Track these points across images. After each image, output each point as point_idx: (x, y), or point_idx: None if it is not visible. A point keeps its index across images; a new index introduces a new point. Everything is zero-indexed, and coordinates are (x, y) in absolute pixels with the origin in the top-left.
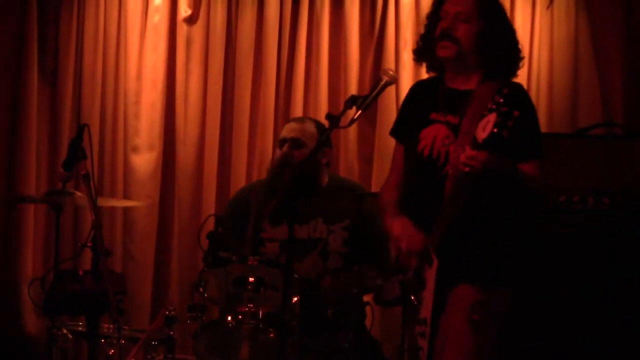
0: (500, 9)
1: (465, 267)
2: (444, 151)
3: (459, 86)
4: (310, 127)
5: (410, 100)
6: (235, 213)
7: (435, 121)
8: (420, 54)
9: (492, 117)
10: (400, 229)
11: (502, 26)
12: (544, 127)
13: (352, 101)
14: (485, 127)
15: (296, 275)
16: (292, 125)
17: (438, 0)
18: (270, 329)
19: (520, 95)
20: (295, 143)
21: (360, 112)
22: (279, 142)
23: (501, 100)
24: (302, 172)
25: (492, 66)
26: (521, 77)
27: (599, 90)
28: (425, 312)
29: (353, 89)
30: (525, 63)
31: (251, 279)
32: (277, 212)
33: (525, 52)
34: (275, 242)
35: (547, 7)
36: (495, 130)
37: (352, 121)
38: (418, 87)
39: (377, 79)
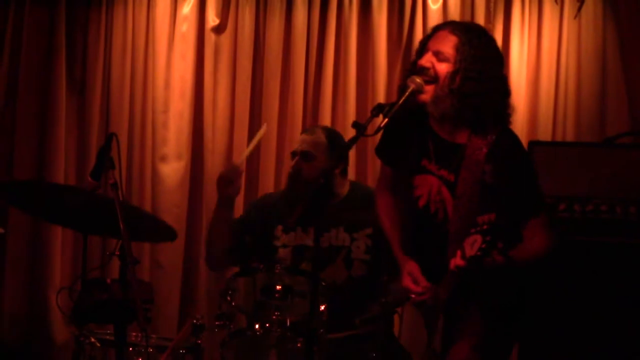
0: (488, 55)
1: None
2: (442, 207)
3: (447, 137)
4: (321, 138)
5: (394, 127)
6: (252, 216)
7: (428, 171)
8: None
9: (478, 239)
10: (409, 280)
11: (485, 72)
12: (571, 136)
13: (379, 109)
14: (473, 246)
15: (324, 283)
16: (303, 137)
17: (426, 36)
18: (298, 338)
19: (510, 151)
20: (304, 156)
21: (386, 120)
22: (291, 154)
23: (485, 227)
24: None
25: (477, 118)
26: (549, 87)
27: (626, 100)
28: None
29: (381, 97)
30: (553, 72)
31: (278, 287)
32: (296, 222)
33: (552, 61)
34: (287, 248)
35: (575, 17)
36: (479, 254)
37: (379, 129)
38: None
39: (404, 86)
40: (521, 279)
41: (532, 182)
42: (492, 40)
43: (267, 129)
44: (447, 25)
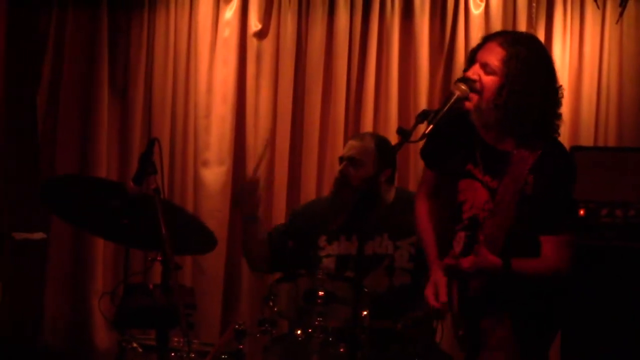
0: (537, 68)
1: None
2: (483, 217)
3: (492, 143)
4: (369, 144)
5: (441, 129)
6: (296, 225)
7: (473, 176)
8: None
9: (462, 235)
10: (431, 291)
11: (532, 86)
12: (613, 141)
13: (424, 116)
14: (459, 243)
15: (366, 289)
16: (351, 142)
17: (476, 46)
18: (340, 343)
19: (554, 163)
20: (352, 161)
21: (431, 126)
22: (339, 159)
23: (466, 223)
24: (362, 193)
25: (522, 130)
26: (590, 92)
27: None
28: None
29: (423, 102)
30: (595, 77)
31: (321, 293)
32: (340, 230)
33: (594, 66)
34: (331, 258)
35: (617, 21)
36: (463, 249)
37: (423, 136)
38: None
39: (449, 93)
40: (552, 288)
41: (566, 200)
42: (543, 51)
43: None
44: (496, 36)
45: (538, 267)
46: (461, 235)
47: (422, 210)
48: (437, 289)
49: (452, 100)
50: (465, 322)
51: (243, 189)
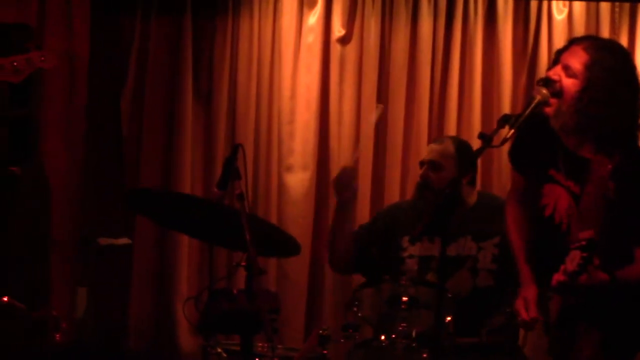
0: (620, 77)
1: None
2: (567, 221)
3: (574, 149)
4: (449, 148)
5: (526, 133)
6: (379, 226)
7: (556, 181)
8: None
9: (577, 255)
10: (522, 305)
11: (613, 96)
12: None
13: (505, 120)
14: (573, 262)
15: (449, 295)
16: (432, 146)
17: (562, 47)
18: (424, 349)
19: (633, 170)
20: (432, 165)
21: (513, 131)
22: (419, 163)
23: (583, 244)
24: (444, 195)
25: (601, 136)
26: None
27: None
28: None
29: (506, 107)
30: None
31: (404, 298)
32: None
33: None
34: (414, 259)
35: None
36: (577, 269)
37: (505, 140)
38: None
39: (530, 97)
40: None
41: None
42: (628, 61)
43: (383, 110)
44: (582, 40)
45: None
46: (576, 255)
47: (513, 218)
48: (527, 303)
49: (533, 104)
50: (556, 332)
51: (343, 174)
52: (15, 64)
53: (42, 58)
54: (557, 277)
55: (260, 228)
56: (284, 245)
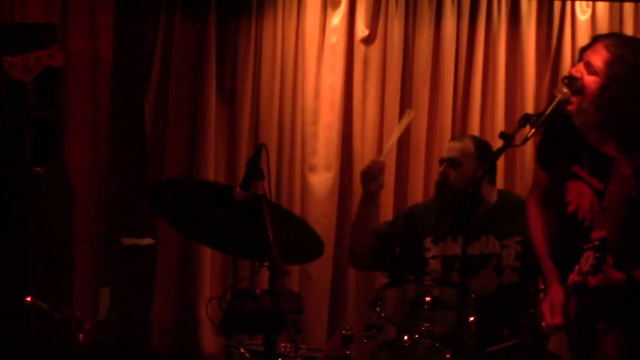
0: None
1: None
2: (589, 218)
3: (597, 145)
4: (469, 145)
5: (550, 132)
6: (400, 226)
7: (580, 178)
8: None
9: (591, 255)
10: (547, 310)
11: (634, 94)
12: None
13: (526, 119)
14: (587, 262)
15: (472, 295)
16: (451, 144)
17: (586, 45)
18: (446, 349)
19: None
20: (451, 162)
21: (533, 130)
22: (439, 161)
23: (597, 244)
24: (465, 194)
25: (622, 134)
26: None
27: None
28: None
29: (529, 107)
30: None
31: (428, 299)
32: (447, 232)
33: None
34: (437, 259)
35: None
36: (591, 269)
37: (526, 139)
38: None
39: (551, 96)
40: None
41: None
42: None
43: (414, 115)
44: (605, 37)
45: None
46: (589, 255)
47: (535, 218)
48: (553, 307)
49: (554, 103)
50: (579, 330)
51: (372, 167)
52: (25, 62)
53: (50, 56)
54: (573, 277)
55: (284, 221)
56: (308, 246)
